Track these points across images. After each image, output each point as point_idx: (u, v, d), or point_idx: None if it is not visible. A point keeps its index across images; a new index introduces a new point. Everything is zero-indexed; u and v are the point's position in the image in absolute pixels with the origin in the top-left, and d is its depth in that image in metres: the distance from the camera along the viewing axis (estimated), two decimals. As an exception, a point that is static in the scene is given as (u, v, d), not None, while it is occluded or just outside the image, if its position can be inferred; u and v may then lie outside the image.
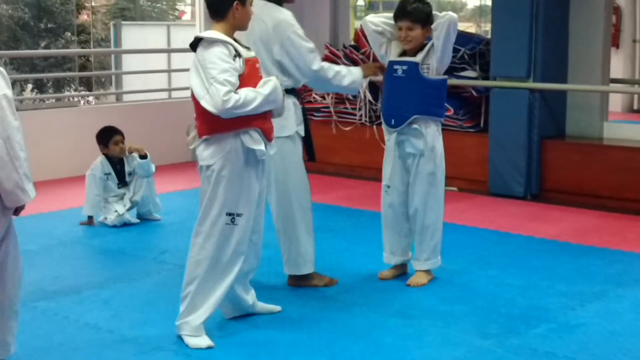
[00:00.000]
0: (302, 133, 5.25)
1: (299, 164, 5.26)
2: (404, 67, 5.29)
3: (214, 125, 4.35)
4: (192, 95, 4.40)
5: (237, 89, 4.25)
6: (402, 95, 5.32)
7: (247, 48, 4.51)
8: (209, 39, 4.36)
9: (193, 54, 4.44)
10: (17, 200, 3.73)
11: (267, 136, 4.49)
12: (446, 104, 8.18)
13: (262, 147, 4.44)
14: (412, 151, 5.32)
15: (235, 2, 4.40)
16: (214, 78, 4.23)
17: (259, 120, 4.43)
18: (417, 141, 5.30)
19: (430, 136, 5.30)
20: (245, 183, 4.44)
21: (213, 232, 4.43)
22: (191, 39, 4.52)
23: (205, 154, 4.42)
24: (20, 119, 3.74)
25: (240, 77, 4.31)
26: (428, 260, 5.44)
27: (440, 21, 5.18)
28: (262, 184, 4.61)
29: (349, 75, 5.27)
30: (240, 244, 4.47)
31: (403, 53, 5.35)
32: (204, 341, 4.40)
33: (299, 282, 5.38)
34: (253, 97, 4.29)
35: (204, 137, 4.41)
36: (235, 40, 4.42)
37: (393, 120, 5.35)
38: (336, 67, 5.30)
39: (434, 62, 5.24)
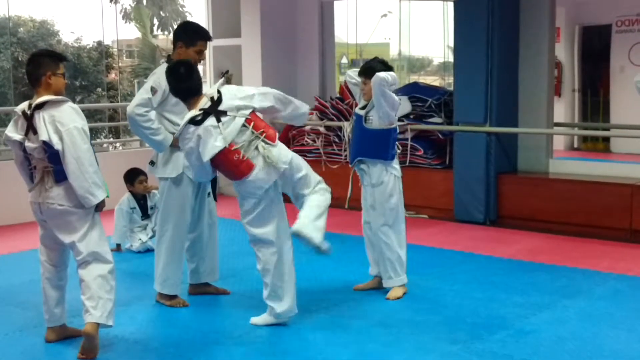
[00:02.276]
0: (192, 177, 5.18)
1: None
2: (354, 118, 5.47)
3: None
4: (252, 116, 4.66)
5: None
6: (354, 140, 5.51)
7: None
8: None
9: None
10: (89, 202, 4.27)
11: None
12: (417, 145, 8.35)
13: None
14: (366, 184, 5.43)
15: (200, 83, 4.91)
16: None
17: None
18: (366, 177, 5.42)
19: (376, 174, 5.35)
20: None
21: None
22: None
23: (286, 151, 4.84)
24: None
25: None
26: (390, 279, 5.42)
27: (373, 80, 5.19)
28: None
29: (163, 135, 5.13)
30: None
31: (365, 106, 5.42)
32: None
33: (162, 299, 5.34)
34: None
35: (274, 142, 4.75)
36: None
37: (350, 159, 5.54)
38: (157, 125, 5.13)
39: (375, 115, 5.30)
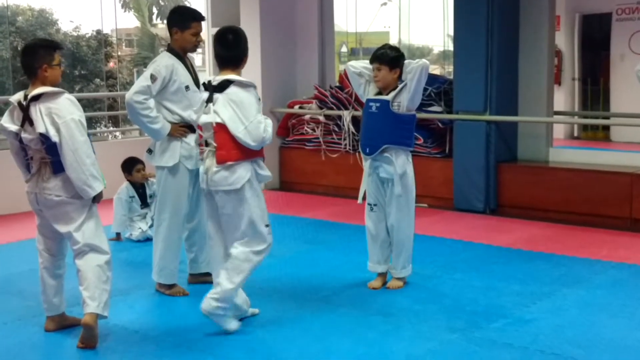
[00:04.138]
0: (189, 166, 5.21)
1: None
2: (377, 104, 5.28)
3: (238, 154, 4.40)
4: (217, 126, 4.40)
5: None
6: (375, 128, 5.29)
7: None
8: (243, 82, 4.45)
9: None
10: (86, 194, 4.26)
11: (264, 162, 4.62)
12: (416, 134, 8.30)
13: (268, 172, 4.59)
14: (386, 176, 5.29)
15: (245, 56, 4.57)
16: (254, 116, 4.36)
17: (262, 151, 4.55)
18: (388, 167, 5.27)
19: (400, 163, 5.26)
20: (261, 199, 4.57)
21: (263, 241, 4.53)
22: (203, 81, 4.58)
23: (232, 179, 4.42)
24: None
25: None
26: (404, 269, 5.41)
27: (414, 65, 5.18)
28: None
29: (161, 124, 5.10)
30: None
31: (379, 93, 5.35)
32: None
33: (161, 288, 5.36)
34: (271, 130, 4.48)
35: (229, 163, 4.41)
36: None
37: (368, 149, 5.33)
38: (155, 113, 5.09)
39: (404, 100, 5.22)
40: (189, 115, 5.08)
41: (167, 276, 5.28)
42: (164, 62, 5.15)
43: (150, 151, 5.32)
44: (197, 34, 5.26)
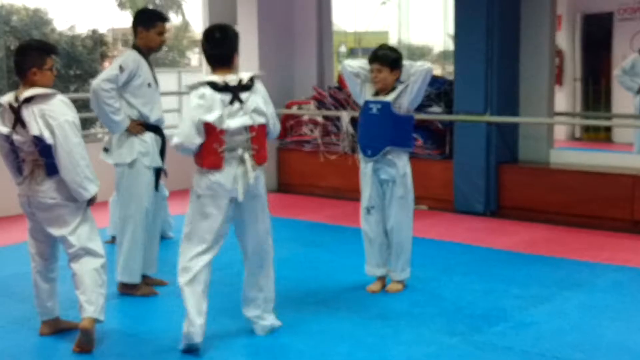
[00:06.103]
0: (147, 163, 5.31)
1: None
2: (378, 106, 5.29)
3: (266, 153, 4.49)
4: (259, 127, 4.35)
5: None
6: (376, 130, 5.29)
7: None
8: (260, 76, 4.46)
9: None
10: (81, 196, 4.27)
11: None
12: (416, 135, 8.31)
13: None
14: (387, 177, 5.30)
15: (235, 53, 4.45)
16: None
17: None
18: (390, 169, 5.29)
19: (401, 165, 5.29)
20: None
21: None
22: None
23: (263, 179, 4.46)
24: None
25: None
26: (403, 271, 5.43)
27: (419, 69, 5.21)
28: None
29: (122, 116, 5.17)
30: None
31: (376, 94, 5.35)
32: None
33: (125, 289, 5.39)
34: None
35: (264, 164, 4.45)
36: None
37: (369, 151, 5.33)
38: (118, 104, 5.15)
39: (405, 102, 5.24)
40: (148, 111, 5.28)
41: (131, 274, 5.33)
42: (131, 56, 5.29)
43: (106, 150, 5.40)
44: (162, 33, 5.42)
